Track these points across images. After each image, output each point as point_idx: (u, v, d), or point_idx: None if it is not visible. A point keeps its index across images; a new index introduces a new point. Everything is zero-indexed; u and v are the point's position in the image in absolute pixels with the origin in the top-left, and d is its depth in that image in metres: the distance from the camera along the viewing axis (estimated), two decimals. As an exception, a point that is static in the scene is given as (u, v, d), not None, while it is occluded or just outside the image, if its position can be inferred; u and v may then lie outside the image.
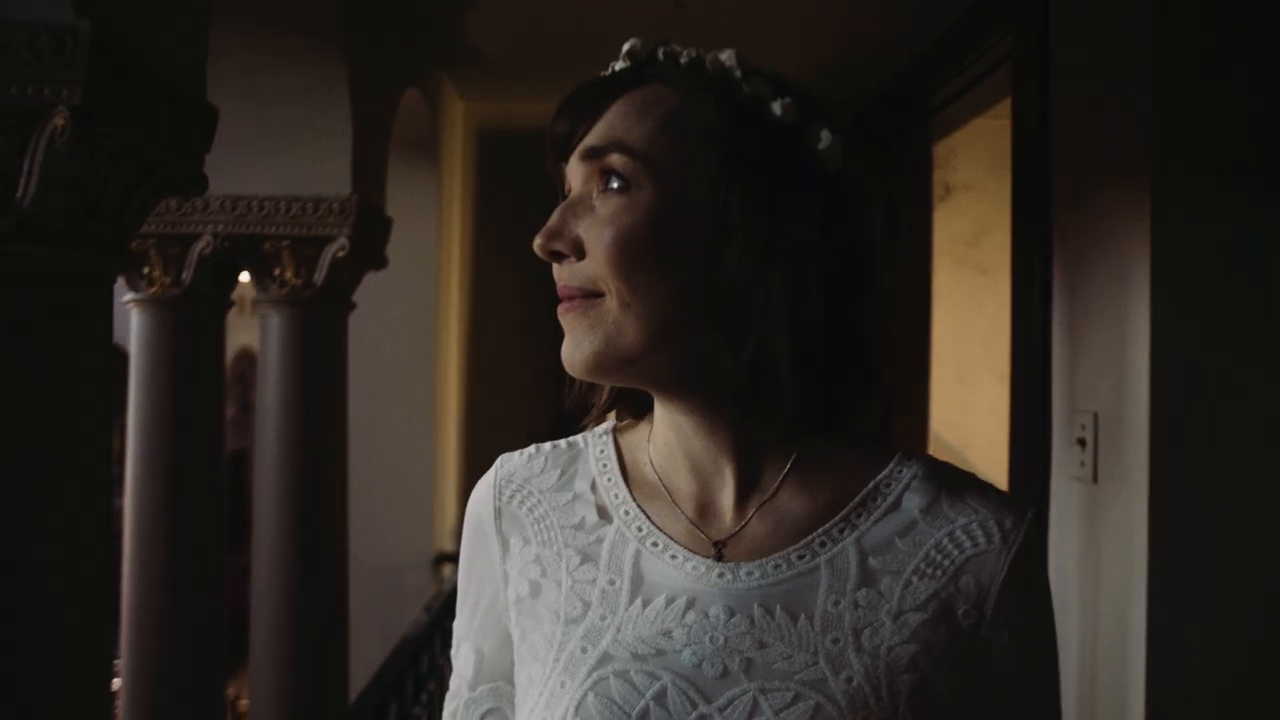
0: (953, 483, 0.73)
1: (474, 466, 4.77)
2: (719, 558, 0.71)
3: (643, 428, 0.80)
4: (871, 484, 0.73)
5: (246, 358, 11.94)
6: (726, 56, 0.71)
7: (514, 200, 4.60)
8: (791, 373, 0.67)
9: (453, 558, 4.01)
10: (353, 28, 2.93)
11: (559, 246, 0.71)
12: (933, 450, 4.07)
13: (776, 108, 0.69)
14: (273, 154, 2.87)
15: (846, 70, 3.95)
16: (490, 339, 4.82)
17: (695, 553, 0.71)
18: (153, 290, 2.80)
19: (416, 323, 4.25)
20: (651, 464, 0.77)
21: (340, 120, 2.91)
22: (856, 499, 0.72)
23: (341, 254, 2.93)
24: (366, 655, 3.39)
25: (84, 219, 1.56)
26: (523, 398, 4.62)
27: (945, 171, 4.29)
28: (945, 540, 0.70)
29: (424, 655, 3.18)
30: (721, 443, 0.72)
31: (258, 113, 2.86)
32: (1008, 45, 2.55)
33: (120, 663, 2.75)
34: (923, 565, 0.69)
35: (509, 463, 0.84)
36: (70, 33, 1.40)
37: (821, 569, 0.69)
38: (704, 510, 0.74)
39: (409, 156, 4.12)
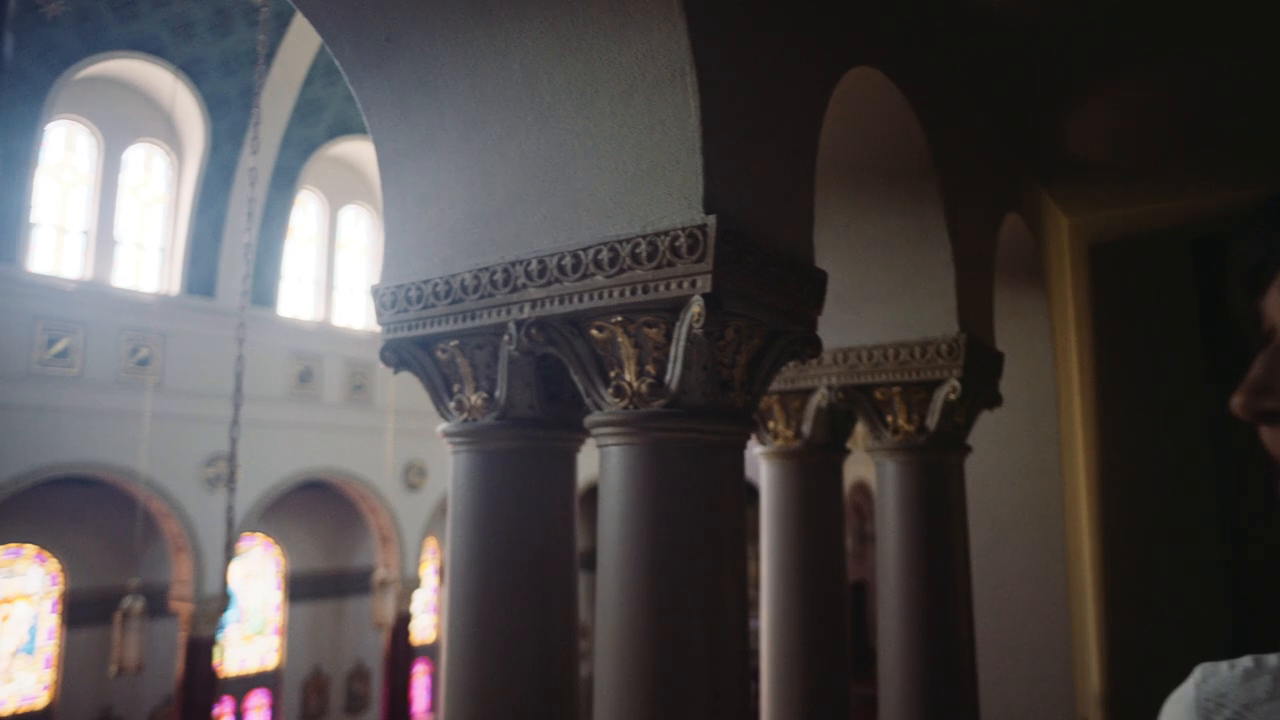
0: None
1: (1117, 627, 4.15)
2: None
3: None
4: None
5: (861, 490, 12.37)
6: None
7: (1138, 315, 4.08)
8: None
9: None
10: (947, 166, 2.90)
11: (1271, 405, 0.53)
12: None
13: None
14: (877, 303, 2.93)
15: None
16: (1125, 478, 4.23)
17: None
18: (778, 443, 3.01)
19: (1039, 464, 3.90)
20: None
21: (941, 260, 2.87)
22: None
23: (953, 396, 2.83)
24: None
25: (718, 392, 1.71)
26: (1174, 548, 3.92)
27: None
28: None
29: None
30: None
31: (861, 265, 2.96)
32: None
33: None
34: None
35: (1214, 678, 0.63)
36: (700, 230, 1.56)
37: None
38: None
39: (1015, 284, 3.91)
